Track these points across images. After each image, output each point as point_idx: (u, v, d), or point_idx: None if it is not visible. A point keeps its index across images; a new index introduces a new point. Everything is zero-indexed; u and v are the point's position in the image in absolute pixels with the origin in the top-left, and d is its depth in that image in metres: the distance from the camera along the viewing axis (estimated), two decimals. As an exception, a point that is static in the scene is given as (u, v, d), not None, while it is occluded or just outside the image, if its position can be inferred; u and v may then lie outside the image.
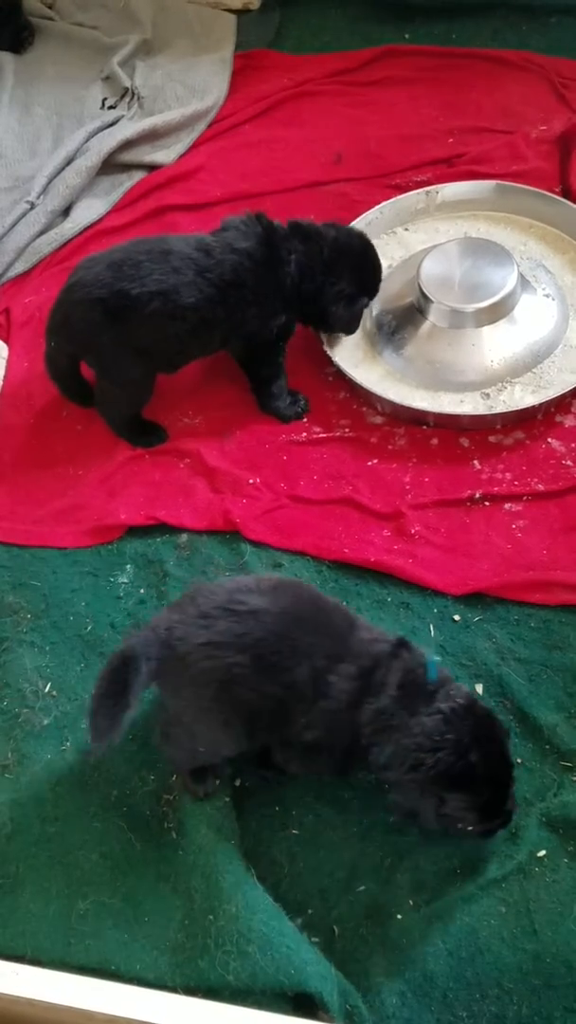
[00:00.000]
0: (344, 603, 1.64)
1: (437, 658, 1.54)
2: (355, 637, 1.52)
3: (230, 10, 3.03)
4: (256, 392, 2.16)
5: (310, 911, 1.53)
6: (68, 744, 1.75)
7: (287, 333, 2.12)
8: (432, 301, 2.15)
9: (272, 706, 1.48)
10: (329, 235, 2.05)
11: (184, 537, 2.00)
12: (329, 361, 2.18)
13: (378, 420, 2.13)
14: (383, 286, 2.31)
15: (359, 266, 2.09)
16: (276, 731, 1.53)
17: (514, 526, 1.93)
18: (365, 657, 1.49)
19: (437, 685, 1.47)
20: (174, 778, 1.67)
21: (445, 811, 1.43)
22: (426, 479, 2.02)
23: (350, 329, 2.16)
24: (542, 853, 1.54)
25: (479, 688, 1.73)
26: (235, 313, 2.01)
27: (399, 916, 1.51)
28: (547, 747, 1.65)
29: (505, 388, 2.12)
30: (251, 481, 2.06)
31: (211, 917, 1.47)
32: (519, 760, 1.64)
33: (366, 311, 2.29)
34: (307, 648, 1.48)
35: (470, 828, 1.46)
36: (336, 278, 2.04)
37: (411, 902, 1.52)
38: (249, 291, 2.00)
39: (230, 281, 1.98)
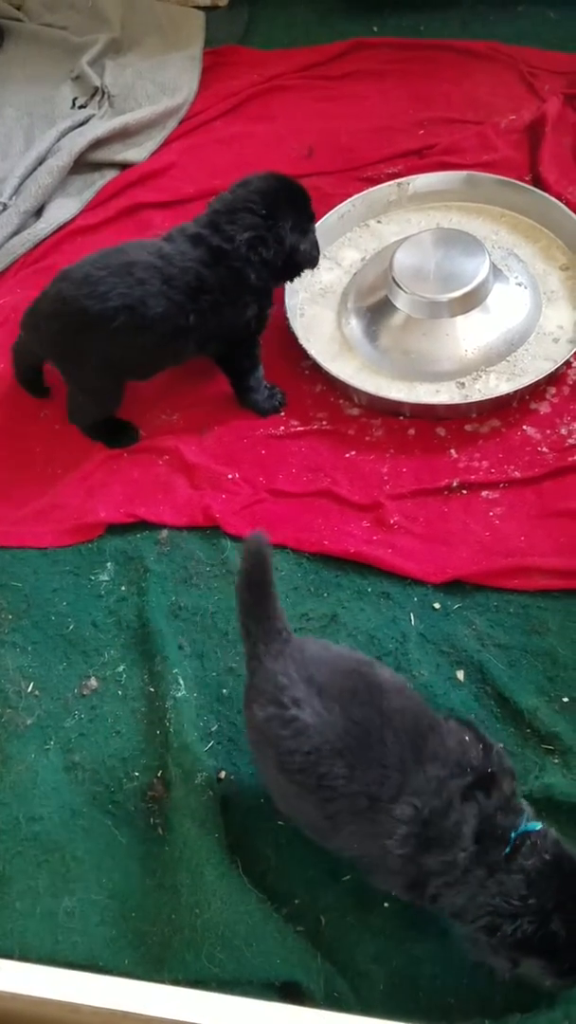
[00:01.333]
0: (419, 695, 1.49)
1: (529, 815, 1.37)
2: (424, 767, 1.33)
3: (199, 7, 3.02)
4: (235, 386, 2.15)
5: (296, 901, 1.54)
6: (52, 743, 1.75)
7: (262, 323, 2.10)
8: (405, 292, 2.16)
9: (318, 820, 1.39)
10: (242, 195, 2.00)
11: (164, 533, 2.00)
12: (305, 355, 2.18)
13: (355, 412, 2.14)
14: (358, 278, 2.33)
15: (285, 200, 2.02)
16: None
17: (491, 513, 1.94)
18: (434, 796, 1.31)
19: (521, 837, 1.31)
20: (159, 773, 1.68)
21: (520, 970, 1.30)
22: (404, 469, 2.03)
23: (315, 261, 2.11)
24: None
25: (460, 675, 1.74)
26: (208, 318, 1.99)
27: (385, 904, 1.52)
28: (528, 731, 1.66)
29: (480, 377, 2.13)
30: (230, 476, 2.06)
31: (197, 911, 1.48)
32: (501, 745, 1.65)
33: (340, 306, 2.30)
34: (362, 777, 1.33)
35: (547, 983, 1.33)
36: (280, 228, 1.99)
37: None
38: (218, 293, 1.97)
39: (196, 287, 1.96)
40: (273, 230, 1.98)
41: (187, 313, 1.96)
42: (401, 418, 2.11)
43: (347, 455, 2.07)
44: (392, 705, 1.39)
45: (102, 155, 2.69)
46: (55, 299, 1.96)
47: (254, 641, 1.47)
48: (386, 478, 2.02)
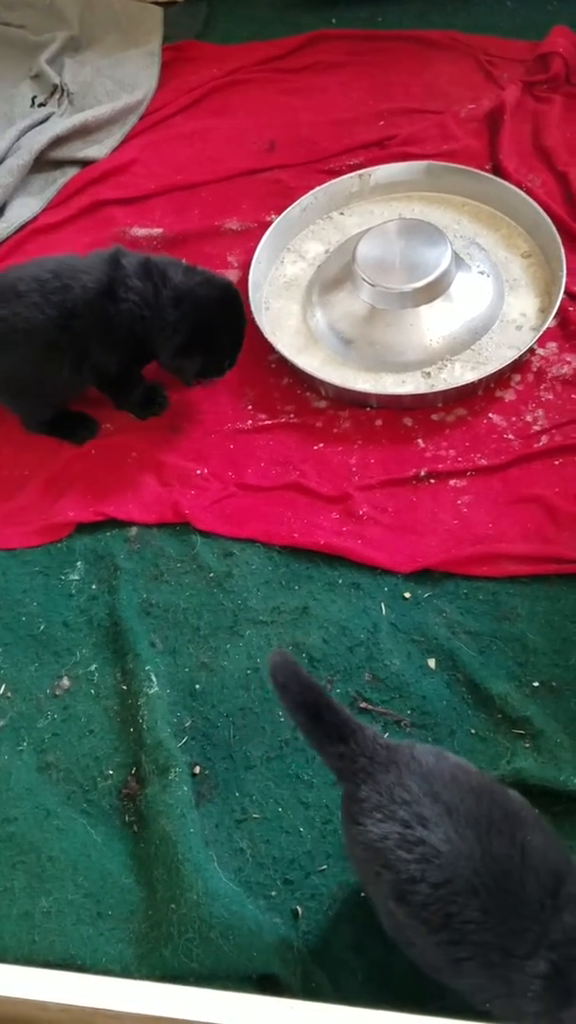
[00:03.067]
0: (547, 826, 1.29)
1: None
2: (562, 915, 1.15)
3: (157, 3, 3.01)
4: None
5: (273, 893, 1.54)
6: (25, 744, 1.74)
7: (133, 369, 2.08)
8: (369, 283, 2.16)
9: (438, 959, 1.24)
10: (175, 278, 1.92)
11: (134, 531, 2.00)
12: (271, 348, 2.18)
13: (322, 404, 2.14)
14: (322, 271, 2.33)
15: (197, 317, 1.92)
16: None
17: (459, 502, 1.95)
18: (572, 945, 1.13)
19: None
20: (133, 770, 1.68)
21: None
22: (372, 460, 2.04)
23: (183, 381, 2.06)
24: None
25: (431, 663, 1.75)
26: (78, 342, 1.94)
27: (362, 894, 1.52)
28: (499, 716, 1.67)
29: (445, 366, 2.14)
30: (198, 472, 2.06)
31: (173, 906, 1.48)
32: (472, 730, 1.67)
33: (306, 299, 2.30)
34: (497, 926, 1.15)
35: None
36: (164, 325, 1.92)
37: (372, 878, 1.54)
38: (88, 323, 1.92)
39: (71, 309, 1.90)
40: (152, 320, 1.92)
41: (59, 329, 1.92)
42: (368, 409, 2.11)
43: (315, 447, 2.07)
44: (532, 840, 1.20)
45: (63, 153, 2.67)
46: None
47: (352, 757, 1.29)
48: (354, 469, 2.03)
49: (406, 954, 1.33)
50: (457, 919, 1.16)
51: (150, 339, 1.96)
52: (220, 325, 1.97)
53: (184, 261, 1.98)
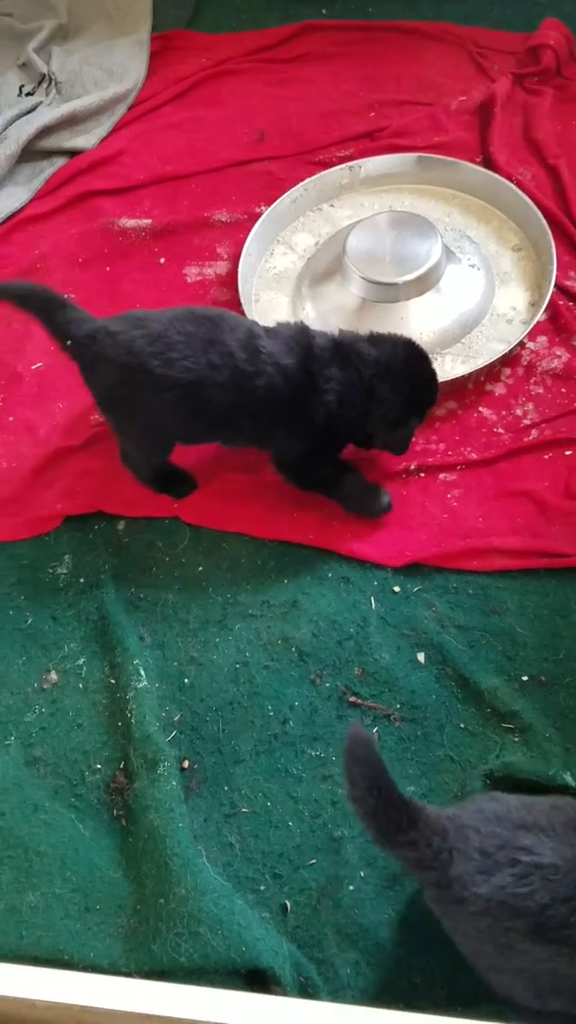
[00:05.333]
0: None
1: None
2: None
3: (146, -9, 2.99)
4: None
5: (262, 888, 1.54)
6: (12, 738, 1.73)
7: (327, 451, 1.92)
8: (359, 276, 2.15)
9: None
10: (370, 355, 1.79)
11: (122, 524, 1.99)
12: (260, 341, 2.17)
13: (312, 397, 2.13)
14: (312, 263, 2.32)
15: (405, 386, 1.81)
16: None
17: (449, 495, 1.94)
18: None
19: None
20: (122, 765, 1.67)
21: None
22: (361, 454, 2.03)
23: (399, 451, 1.93)
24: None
25: (421, 657, 1.75)
26: (260, 427, 1.83)
27: (350, 887, 1.52)
28: (488, 710, 1.67)
29: (436, 359, 2.10)
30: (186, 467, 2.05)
31: (162, 901, 1.48)
32: (462, 725, 1.67)
33: (295, 291, 2.29)
34: None
35: None
36: (378, 403, 1.80)
37: (362, 874, 1.54)
38: (275, 413, 1.79)
39: (262, 397, 1.76)
40: (364, 403, 1.80)
41: (243, 415, 1.80)
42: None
43: (305, 440, 2.06)
44: None
45: (50, 143, 2.65)
46: (125, 345, 1.74)
47: (426, 841, 1.23)
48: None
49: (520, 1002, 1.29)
50: None
51: (353, 424, 1.83)
52: (423, 385, 1.86)
53: (357, 331, 1.85)
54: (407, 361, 1.83)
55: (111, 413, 1.91)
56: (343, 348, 1.80)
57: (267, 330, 1.81)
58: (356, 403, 1.79)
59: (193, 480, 2.00)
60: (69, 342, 1.78)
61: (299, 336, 1.80)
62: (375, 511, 1.91)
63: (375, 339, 1.84)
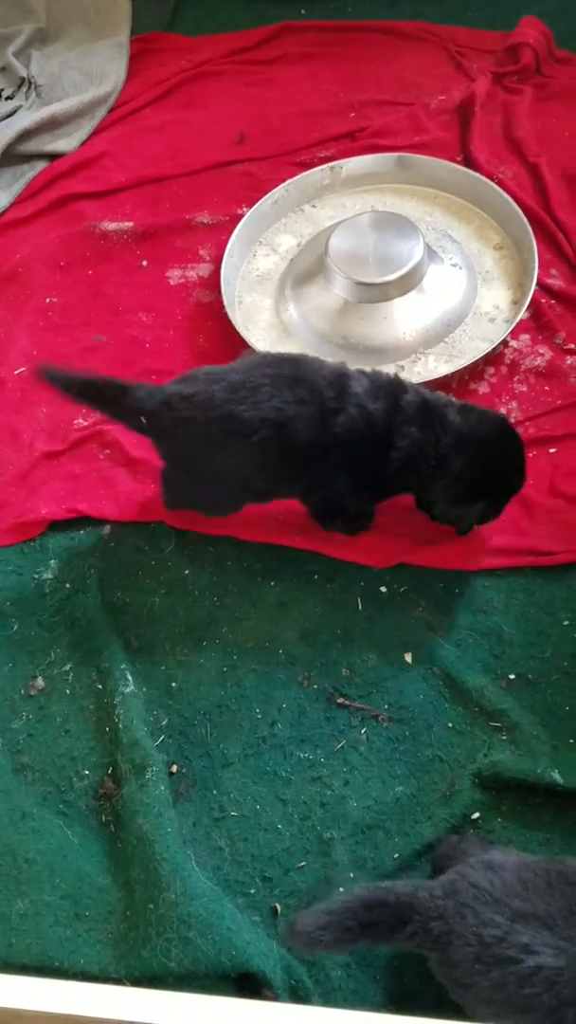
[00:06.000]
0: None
1: None
2: None
3: (124, -6, 2.98)
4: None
5: (252, 891, 1.54)
6: (-1, 746, 1.73)
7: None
8: (342, 276, 2.15)
9: None
10: (453, 423, 1.70)
11: (107, 529, 1.98)
12: (245, 343, 2.17)
13: (296, 399, 2.13)
14: (295, 264, 2.31)
15: (478, 465, 1.71)
16: None
17: (434, 495, 1.94)
18: None
19: None
20: (110, 770, 1.67)
21: None
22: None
23: (458, 530, 1.85)
24: (476, 815, 1.56)
25: (408, 657, 1.75)
26: (327, 469, 1.75)
27: (340, 890, 1.52)
28: (476, 709, 1.67)
29: (419, 359, 2.14)
30: (172, 469, 2.04)
31: (151, 906, 1.47)
32: (450, 724, 1.67)
33: (278, 293, 2.29)
34: None
35: None
36: (443, 474, 1.71)
37: (351, 875, 1.53)
38: (346, 454, 1.71)
39: (338, 436, 1.69)
40: (431, 469, 1.71)
41: (323, 453, 1.71)
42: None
43: (290, 442, 2.06)
44: None
45: (31, 146, 2.64)
46: (204, 403, 1.68)
47: (425, 928, 1.19)
48: (329, 464, 2.02)
49: None
50: None
51: (419, 485, 1.77)
52: (503, 469, 1.76)
53: (453, 398, 1.76)
54: (489, 440, 1.73)
55: (188, 475, 1.84)
56: (429, 409, 1.71)
57: (358, 372, 1.75)
58: (422, 468, 1.71)
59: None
60: (143, 419, 1.72)
61: (389, 386, 1.73)
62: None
63: (466, 409, 1.74)
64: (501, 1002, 1.14)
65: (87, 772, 1.68)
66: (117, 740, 1.67)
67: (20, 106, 2.73)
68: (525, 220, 2.22)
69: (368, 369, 1.77)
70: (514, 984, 1.12)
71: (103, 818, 1.62)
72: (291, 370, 1.71)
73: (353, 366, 2.11)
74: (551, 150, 2.43)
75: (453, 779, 1.60)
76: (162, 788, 1.59)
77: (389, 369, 2.09)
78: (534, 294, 2.13)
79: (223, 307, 2.20)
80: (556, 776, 1.55)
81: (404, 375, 2.09)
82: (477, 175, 2.35)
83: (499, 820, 1.55)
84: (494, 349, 2.07)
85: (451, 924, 1.17)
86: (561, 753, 1.60)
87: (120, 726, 1.68)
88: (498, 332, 2.12)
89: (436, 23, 2.79)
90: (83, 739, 1.71)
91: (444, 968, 1.20)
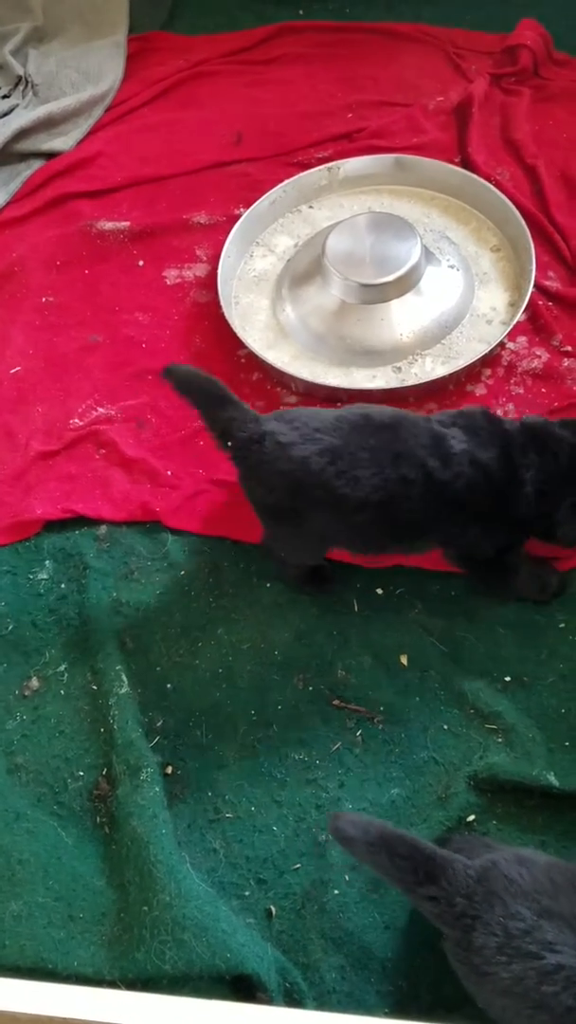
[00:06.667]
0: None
1: None
2: None
3: (122, -7, 2.98)
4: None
5: (247, 893, 1.53)
6: (-6, 746, 1.72)
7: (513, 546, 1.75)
8: (339, 277, 2.15)
9: None
10: (564, 437, 1.64)
11: (103, 529, 1.97)
12: (241, 344, 2.17)
13: (293, 400, 2.13)
14: (292, 265, 2.31)
15: None
16: None
17: (431, 497, 1.94)
18: None
19: None
20: (104, 772, 1.66)
21: None
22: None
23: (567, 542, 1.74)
24: (471, 817, 1.56)
25: (403, 659, 1.75)
26: (454, 530, 1.67)
27: (335, 892, 1.52)
28: (472, 711, 1.67)
29: (416, 361, 2.13)
30: (168, 471, 2.03)
31: (145, 908, 1.47)
32: (445, 726, 1.66)
33: (275, 293, 2.29)
34: None
35: None
36: (572, 491, 1.64)
37: (346, 878, 1.53)
38: (475, 512, 1.64)
39: (461, 500, 1.62)
40: (560, 490, 1.63)
41: (436, 521, 1.65)
42: (339, 404, 2.09)
43: (286, 443, 2.06)
44: None
45: (27, 145, 2.63)
46: (299, 462, 1.59)
47: (448, 900, 1.20)
48: (326, 465, 2.02)
49: None
50: None
51: (547, 513, 1.66)
52: None
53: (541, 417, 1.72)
54: None
55: (272, 521, 1.76)
56: (536, 432, 1.65)
57: (448, 425, 1.66)
58: (555, 491, 1.63)
59: (331, 577, 1.86)
60: (230, 444, 1.65)
61: (487, 426, 1.66)
62: (547, 591, 1.79)
63: (566, 423, 1.68)
64: (519, 996, 1.14)
65: (81, 773, 1.67)
66: (112, 741, 1.67)
67: (17, 105, 2.73)
68: (522, 222, 2.22)
69: (447, 416, 1.69)
70: (534, 979, 1.12)
71: (97, 819, 1.62)
72: (389, 442, 1.61)
73: (350, 367, 2.14)
74: (549, 152, 2.43)
75: (448, 781, 1.60)
76: (157, 789, 1.59)
77: (386, 371, 2.12)
78: (531, 296, 2.13)
79: (220, 307, 2.20)
80: (552, 778, 1.55)
81: (401, 376, 2.10)
82: (474, 177, 2.35)
83: (494, 822, 1.55)
84: (491, 351, 2.07)
85: (479, 909, 1.18)
86: (557, 755, 1.60)
87: (115, 727, 1.67)
88: (495, 334, 2.12)
89: (434, 25, 2.78)
90: (78, 740, 1.71)
91: (463, 952, 1.19)
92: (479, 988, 1.22)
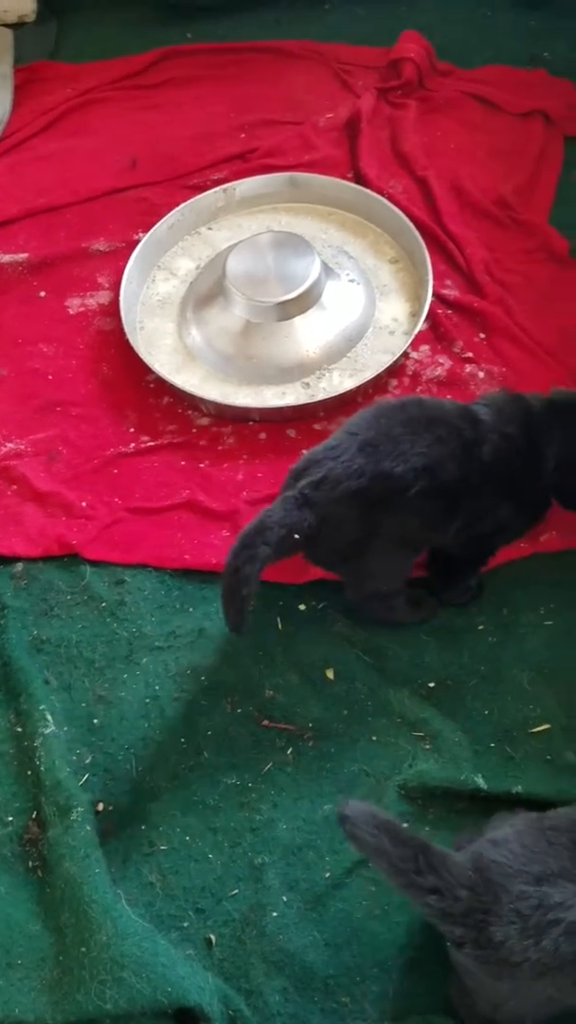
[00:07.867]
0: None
1: None
2: None
3: (5, 25, 2.94)
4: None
5: (185, 924, 1.52)
6: None
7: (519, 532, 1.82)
8: (241, 297, 2.16)
9: None
10: None
11: (19, 567, 1.94)
12: (148, 369, 2.16)
13: (205, 422, 2.13)
14: (194, 287, 2.31)
15: None
16: None
17: (346, 510, 1.95)
18: None
19: None
20: (34, 815, 1.63)
21: None
22: (259, 474, 2.03)
23: None
24: (405, 825, 1.56)
25: (330, 673, 1.76)
26: (485, 503, 1.70)
27: (274, 914, 1.52)
28: (399, 720, 1.69)
29: (324, 375, 2.15)
30: (83, 503, 2.02)
31: (83, 949, 1.44)
32: (374, 737, 1.68)
33: (180, 316, 2.29)
34: None
35: None
36: None
37: (284, 899, 1.53)
38: (507, 484, 1.68)
39: (492, 468, 1.66)
40: None
41: (474, 488, 1.67)
42: (251, 423, 2.11)
43: (201, 465, 2.06)
44: None
45: None
46: (346, 475, 1.61)
47: (452, 893, 1.19)
48: (242, 484, 2.02)
49: None
50: None
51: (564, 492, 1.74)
52: None
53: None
54: None
55: (354, 560, 1.72)
56: (561, 408, 1.71)
57: (480, 401, 1.74)
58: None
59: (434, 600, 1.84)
60: (297, 536, 1.63)
61: (514, 401, 1.72)
62: (467, 593, 1.84)
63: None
64: (557, 968, 1.15)
65: (11, 818, 1.64)
66: (40, 783, 1.64)
67: None
68: (417, 233, 2.26)
69: (480, 398, 1.77)
70: (565, 943, 1.13)
71: (29, 863, 1.59)
72: (419, 411, 1.68)
73: (259, 386, 2.15)
74: (438, 163, 2.48)
75: (380, 792, 1.60)
76: (88, 828, 1.56)
77: (295, 387, 2.13)
78: (430, 306, 2.17)
79: (124, 334, 2.19)
80: (479, 781, 1.57)
81: (310, 392, 2.12)
82: (368, 191, 2.38)
83: (427, 828, 1.56)
84: (396, 361, 2.10)
85: (486, 902, 1.17)
86: (483, 758, 1.63)
87: (42, 768, 1.65)
88: (399, 344, 2.15)
89: (323, 41, 2.82)
90: (4, 785, 1.67)
91: (484, 952, 1.17)
92: (514, 982, 1.20)
